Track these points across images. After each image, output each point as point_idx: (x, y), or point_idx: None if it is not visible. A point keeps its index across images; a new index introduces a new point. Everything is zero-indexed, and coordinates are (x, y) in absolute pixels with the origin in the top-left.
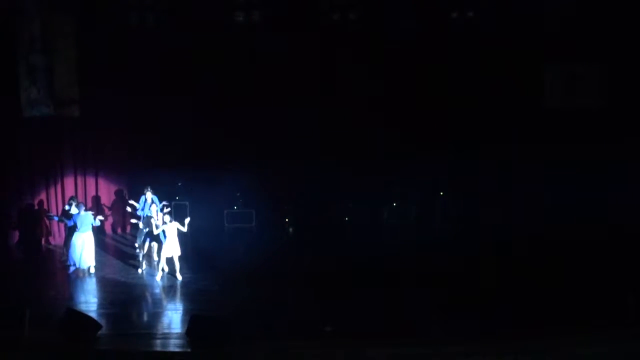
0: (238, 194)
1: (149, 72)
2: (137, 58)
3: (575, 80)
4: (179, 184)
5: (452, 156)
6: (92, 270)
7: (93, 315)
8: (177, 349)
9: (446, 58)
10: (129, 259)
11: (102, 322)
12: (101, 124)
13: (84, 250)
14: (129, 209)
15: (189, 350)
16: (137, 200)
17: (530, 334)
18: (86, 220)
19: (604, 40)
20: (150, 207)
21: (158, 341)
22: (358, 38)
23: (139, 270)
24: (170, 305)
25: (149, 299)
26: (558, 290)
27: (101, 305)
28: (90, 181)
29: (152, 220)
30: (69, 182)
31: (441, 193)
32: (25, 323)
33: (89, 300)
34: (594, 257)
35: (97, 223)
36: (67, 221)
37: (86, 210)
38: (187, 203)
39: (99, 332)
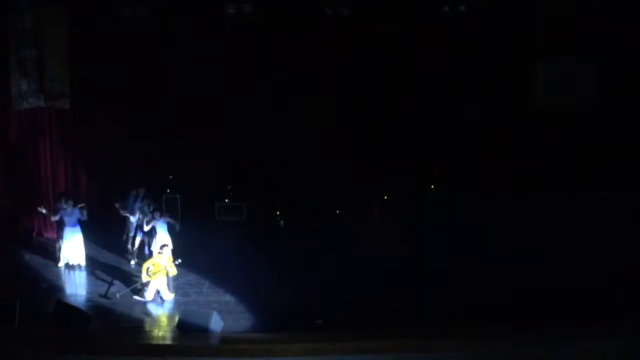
0: (229, 187)
1: (140, 65)
2: (129, 51)
3: (568, 77)
4: (170, 177)
5: (444, 151)
6: (83, 264)
7: (84, 308)
8: (167, 342)
9: (438, 53)
10: (120, 252)
11: (93, 314)
12: (92, 117)
13: (73, 246)
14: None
15: (179, 343)
16: (125, 197)
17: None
18: (74, 216)
19: (597, 37)
20: (142, 201)
21: (148, 334)
22: (351, 33)
23: (131, 263)
24: (160, 299)
25: (140, 292)
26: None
27: (92, 298)
28: (82, 174)
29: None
30: (60, 175)
31: (432, 187)
32: (15, 316)
33: (80, 293)
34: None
35: (85, 217)
36: (54, 217)
37: (74, 206)
38: (178, 196)
39: (90, 325)
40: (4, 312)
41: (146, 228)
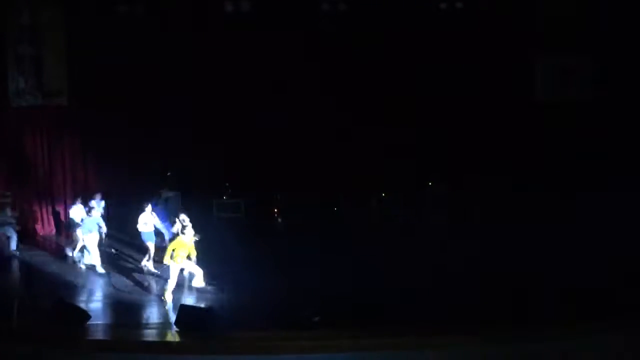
0: (227, 184)
1: (138, 62)
2: (127, 47)
3: (567, 73)
4: (168, 173)
5: (442, 148)
6: (98, 264)
7: (83, 306)
8: (165, 339)
9: (435, 50)
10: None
11: (92, 312)
12: (90, 114)
13: (90, 250)
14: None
15: (176, 340)
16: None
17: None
18: (93, 225)
19: (595, 32)
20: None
21: (146, 331)
22: (347, 30)
23: (143, 265)
24: (159, 296)
25: (140, 290)
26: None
27: (92, 295)
28: (79, 171)
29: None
30: (58, 172)
31: (430, 183)
32: (13, 314)
33: (80, 291)
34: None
35: (104, 230)
36: (75, 226)
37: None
38: (176, 193)
39: (89, 322)
40: (2, 310)
41: (174, 229)
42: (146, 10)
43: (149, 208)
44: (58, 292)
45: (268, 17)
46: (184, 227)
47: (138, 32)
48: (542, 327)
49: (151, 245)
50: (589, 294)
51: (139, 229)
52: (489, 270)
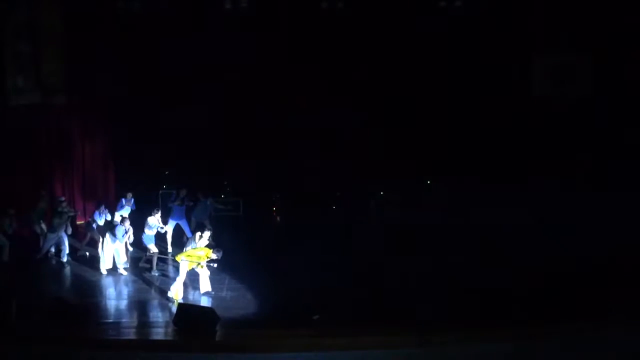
0: (225, 183)
1: (137, 59)
2: (125, 45)
3: (563, 70)
4: (166, 172)
5: (440, 146)
6: (124, 273)
7: (86, 306)
8: (165, 338)
9: (434, 48)
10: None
11: (93, 312)
12: (89, 113)
13: (105, 253)
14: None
15: (176, 339)
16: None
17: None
18: (122, 232)
19: (591, 30)
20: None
21: (146, 330)
22: (345, 29)
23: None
24: (159, 296)
25: (139, 290)
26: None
27: (92, 296)
28: (78, 170)
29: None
30: (57, 173)
31: (428, 182)
32: (12, 313)
33: (82, 291)
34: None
35: (131, 239)
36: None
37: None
38: (174, 192)
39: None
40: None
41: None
42: (145, 4)
43: (158, 214)
44: (61, 293)
45: (268, 17)
46: (208, 245)
47: (137, 28)
48: (540, 326)
49: (153, 247)
50: (588, 293)
51: (145, 232)
52: (488, 269)
